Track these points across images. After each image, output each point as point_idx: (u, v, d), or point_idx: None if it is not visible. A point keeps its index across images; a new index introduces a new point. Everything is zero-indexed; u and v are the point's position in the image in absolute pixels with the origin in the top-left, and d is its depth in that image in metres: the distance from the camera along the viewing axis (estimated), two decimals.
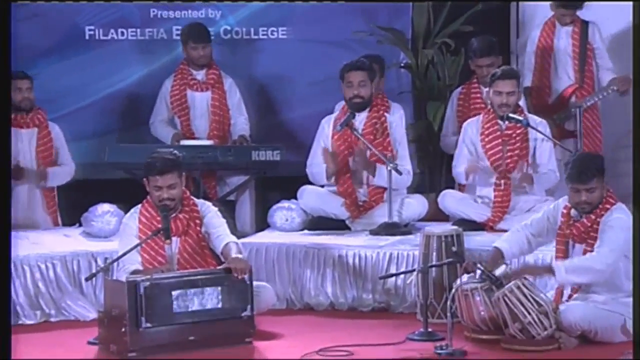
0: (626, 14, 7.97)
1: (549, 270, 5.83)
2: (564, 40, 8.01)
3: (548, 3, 8.02)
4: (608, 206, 5.84)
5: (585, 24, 7.98)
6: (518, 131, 7.16)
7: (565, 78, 8.02)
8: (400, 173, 7.04)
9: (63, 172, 7.64)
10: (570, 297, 5.87)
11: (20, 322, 6.45)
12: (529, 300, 5.67)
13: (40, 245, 6.82)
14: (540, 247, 6.13)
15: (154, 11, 8.42)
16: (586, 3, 7.94)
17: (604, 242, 5.75)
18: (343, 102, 7.58)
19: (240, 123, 8.07)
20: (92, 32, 8.35)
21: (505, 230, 6.66)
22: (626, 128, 7.16)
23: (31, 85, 7.55)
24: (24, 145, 7.56)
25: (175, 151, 6.29)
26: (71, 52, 8.29)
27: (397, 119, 7.55)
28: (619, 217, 5.80)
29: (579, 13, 7.97)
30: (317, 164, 7.43)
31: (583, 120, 7.86)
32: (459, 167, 7.33)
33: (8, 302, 5.62)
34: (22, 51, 8.08)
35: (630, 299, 5.69)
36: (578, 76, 7.95)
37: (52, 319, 6.55)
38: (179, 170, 6.12)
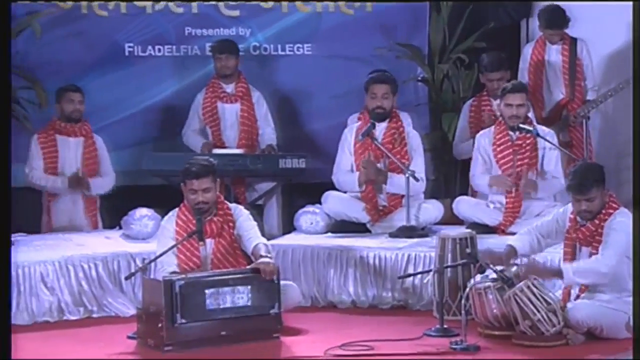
0: (617, 32, 8.01)
1: (557, 273, 5.85)
2: (554, 56, 8.03)
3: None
4: (611, 211, 5.85)
5: (574, 40, 7.99)
6: (528, 141, 7.16)
7: (557, 92, 8.04)
8: (417, 180, 7.06)
9: (104, 182, 7.70)
10: (577, 296, 5.88)
11: (64, 318, 6.52)
12: (538, 299, 5.67)
13: (83, 247, 6.86)
14: (549, 247, 6.16)
15: (188, 29, 8.45)
16: (574, 21, 7.96)
17: (608, 245, 5.76)
18: (355, 115, 7.66)
19: (268, 133, 8.09)
20: (131, 49, 8.38)
21: (516, 234, 6.68)
22: (629, 137, 7.16)
23: (83, 98, 7.63)
24: (71, 152, 7.63)
25: (210, 158, 6.35)
26: (112, 67, 8.32)
27: (410, 128, 7.56)
28: (621, 220, 5.81)
29: (569, 31, 7.99)
30: (343, 172, 7.45)
31: (574, 132, 7.89)
32: (480, 179, 7.30)
33: (8, 302, 5.54)
34: (69, 67, 8.17)
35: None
36: (569, 90, 7.96)
37: (94, 315, 6.59)
38: (214, 175, 6.14)
